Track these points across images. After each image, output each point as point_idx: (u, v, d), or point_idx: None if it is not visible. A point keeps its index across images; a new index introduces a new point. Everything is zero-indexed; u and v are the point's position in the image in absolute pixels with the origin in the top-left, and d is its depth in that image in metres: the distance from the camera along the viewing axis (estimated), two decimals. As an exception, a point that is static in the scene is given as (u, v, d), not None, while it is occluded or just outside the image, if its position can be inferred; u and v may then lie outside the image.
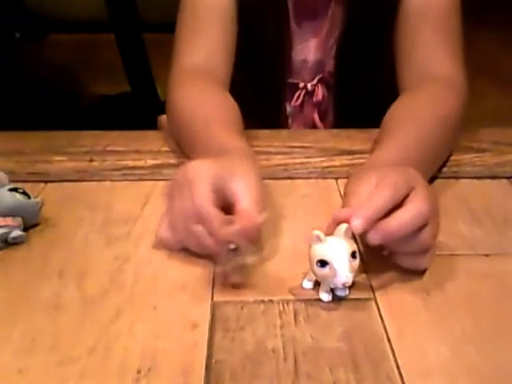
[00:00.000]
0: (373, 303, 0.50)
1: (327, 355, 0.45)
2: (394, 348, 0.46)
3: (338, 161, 0.73)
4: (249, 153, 0.61)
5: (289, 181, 0.70)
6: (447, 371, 0.44)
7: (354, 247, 0.49)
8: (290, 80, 0.89)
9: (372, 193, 0.50)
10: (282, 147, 0.76)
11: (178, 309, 0.49)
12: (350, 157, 0.73)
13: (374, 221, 0.48)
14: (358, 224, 0.47)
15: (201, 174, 0.52)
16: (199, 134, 0.67)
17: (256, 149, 0.75)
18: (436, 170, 0.69)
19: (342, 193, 0.67)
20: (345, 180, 0.69)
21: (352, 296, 0.51)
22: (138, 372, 0.43)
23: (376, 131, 0.77)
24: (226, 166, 0.54)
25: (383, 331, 0.47)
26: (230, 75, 0.81)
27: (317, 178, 0.70)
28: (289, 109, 0.91)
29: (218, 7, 0.81)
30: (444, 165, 0.72)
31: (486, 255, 0.57)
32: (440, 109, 0.71)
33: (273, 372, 0.43)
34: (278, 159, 0.73)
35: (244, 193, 0.52)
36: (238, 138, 0.64)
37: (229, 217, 0.51)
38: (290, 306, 0.50)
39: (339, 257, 0.48)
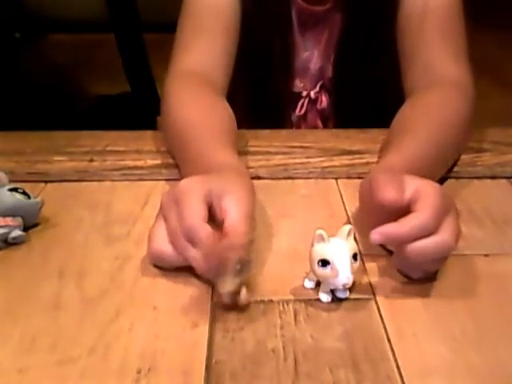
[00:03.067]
0: (373, 303, 0.50)
1: (327, 355, 0.45)
2: (394, 348, 0.46)
3: (337, 161, 0.73)
4: (240, 169, 0.59)
5: (289, 181, 0.70)
6: (447, 371, 0.44)
7: (356, 249, 0.49)
8: (294, 89, 0.89)
9: (412, 216, 0.49)
10: (281, 147, 0.76)
11: (177, 309, 0.49)
12: (349, 157, 0.73)
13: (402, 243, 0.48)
14: (375, 238, 0.48)
15: (193, 189, 0.51)
16: (190, 145, 0.65)
17: (256, 149, 0.75)
18: (445, 172, 0.69)
19: (343, 193, 0.67)
20: (345, 180, 0.69)
21: (352, 296, 0.51)
22: (138, 372, 0.43)
23: (376, 131, 0.77)
24: (218, 183, 0.53)
25: (383, 331, 0.47)
26: (228, 82, 0.80)
27: (317, 178, 0.70)
28: (293, 118, 0.91)
29: (220, 14, 0.80)
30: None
31: (486, 255, 0.57)
32: (449, 111, 0.71)
33: (273, 372, 0.43)
34: (278, 159, 0.73)
35: (233, 210, 0.51)
36: (229, 153, 0.62)
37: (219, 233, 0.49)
38: (290, 306, 0.50)
39: (341, 257, 0.48)
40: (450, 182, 0.69)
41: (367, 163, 0.72)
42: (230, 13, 0.81)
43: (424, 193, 0.50)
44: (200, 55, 0.79)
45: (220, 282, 0.47)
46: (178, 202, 0.50)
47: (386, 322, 0.48)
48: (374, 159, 0.72)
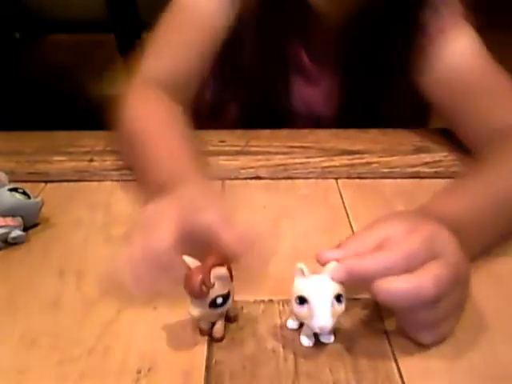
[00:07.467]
0: (373, 303, 0.50)
1: (327, 355, 0.45)
2: (394, 348, 0.46)
3: (337, 161, 0.73)
4: (198, 177, 0.56)
5: (289, 181, 0.70)
6: (447, 371, 0.44)
7: (340, 290, 0.43)
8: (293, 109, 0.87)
9: (381, 251, 0.44)
10: (281, 147, 0.76)
11: (177, 309, 0.49)
12: (349, 157, 0.73)
13: (362, 280, 0.43)
14: (337, 274, 0.43)
15: (161, 215, 0.48)
16: (149, 156, 0.62)
17: (256, 149, 0.75)
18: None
19: (343, 193, 0.67)
20: (345, 180, 0.69)
21: (352, 296, 0.51)
22: (138, 372, 0.43)
23: (376, 131, 0.77)
24: (188, 201, 0.49)
25: (383, 331, 0.47)
26: (194, 93, 0.77)
27: (317, 178, 0.70)
28: None
29: (201, 20, 0.77)
30: (444, 166, 0.72)
31: (486, 255, 0.57)
32: None
33: (273, 372, 0.43)
34: (278, 159, 0.73)
35: (216, 223, 0.47)
36: (186, 163, 0.59)
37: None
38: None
39: (320, 296, 0.42)
40: (450, 182, 0.69)
41: (367, 163, 0.72)
42: (214, 21, 0.77)
43: (403, 240, 0.44)
44: (168, 62, 0.76)
45: (194, 303, 0.44)
46: (147, 229, 0.47)
47: (385, 321, 0.48)
48: (374, 159, 0.72)
